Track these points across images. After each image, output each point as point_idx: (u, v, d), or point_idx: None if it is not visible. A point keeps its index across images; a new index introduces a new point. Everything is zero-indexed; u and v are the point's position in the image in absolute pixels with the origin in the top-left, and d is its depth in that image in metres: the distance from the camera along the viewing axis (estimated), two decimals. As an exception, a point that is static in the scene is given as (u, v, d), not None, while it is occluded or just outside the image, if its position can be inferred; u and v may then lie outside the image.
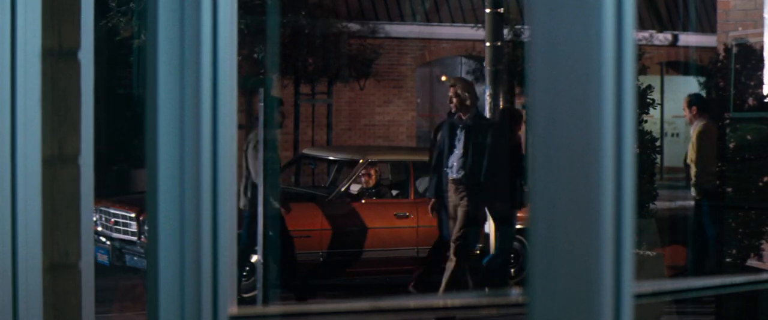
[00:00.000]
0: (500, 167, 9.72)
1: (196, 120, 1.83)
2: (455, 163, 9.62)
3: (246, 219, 9.86)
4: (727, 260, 8.63)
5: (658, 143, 10.11)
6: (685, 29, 23.89)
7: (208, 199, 1.84)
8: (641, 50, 21.90)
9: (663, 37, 23.53)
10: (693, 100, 9.80)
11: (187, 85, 1.83)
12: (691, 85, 24.47)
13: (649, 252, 8.19)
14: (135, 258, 10.64)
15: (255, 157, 9.59)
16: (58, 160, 2.61)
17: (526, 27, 2.07)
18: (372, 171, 10.95)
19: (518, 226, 10.59)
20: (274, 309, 2.17)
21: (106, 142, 17.46)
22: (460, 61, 22.79)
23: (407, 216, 10.93)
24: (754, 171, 8.61)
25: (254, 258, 9.80)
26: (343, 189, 10.85)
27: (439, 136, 9.91)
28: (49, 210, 2.58)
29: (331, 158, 12.07)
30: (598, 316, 1.57)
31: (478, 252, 9.93)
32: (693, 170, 9.66)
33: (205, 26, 1.83)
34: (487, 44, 15.66)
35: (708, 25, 22.89)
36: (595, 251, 1.57)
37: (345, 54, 19.97)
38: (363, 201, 10.68)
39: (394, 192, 11.39)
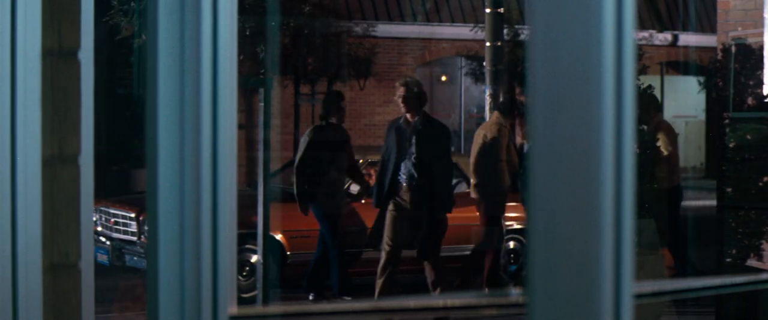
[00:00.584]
0: (447, 171, 9.50)
1: (196, 120, 1.83)
2: (405, 170, 9.38)
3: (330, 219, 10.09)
4: (727, 260, 8.62)
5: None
6: (685, 29, 23.89)
7: (208, 199, 1.84)
8: (641, 50, 21.89)
9: (663, 37, 23.53)
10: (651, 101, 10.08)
11: (187, 85, 1.83)
12: (691, 84, 24.48)
13: (648, 253, 8.18)
14: (135, 258, 10.65)
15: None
16: (58, 160, 2.61)
17: (526, 27, 2.07)
18: (372, 172, 10.94)
19: (518, 226, 10.57)
20: (274, 309, 2.17)
21: (106, 142, 17.46)
22: (460, 61, 22.79)
23: (407, 216, 10.91)
24: (754, 171, 8.60)
25: (254, 259, 9.80)
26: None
27: (387, 139, 9.61)
28: (49, 211, 2.58)
29: (331, 158, 12.06)
30: (598, 316, 1.57)
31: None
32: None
33: (205, 26, 1.83)
34: (487, 44, 15.67)
35: (708, 25, 22.90)
36: (595, 251, 1.57)
37: (345, 54, 19.97)
38: (363, 201, 10.68)
39: (394, 192, 11.38)
